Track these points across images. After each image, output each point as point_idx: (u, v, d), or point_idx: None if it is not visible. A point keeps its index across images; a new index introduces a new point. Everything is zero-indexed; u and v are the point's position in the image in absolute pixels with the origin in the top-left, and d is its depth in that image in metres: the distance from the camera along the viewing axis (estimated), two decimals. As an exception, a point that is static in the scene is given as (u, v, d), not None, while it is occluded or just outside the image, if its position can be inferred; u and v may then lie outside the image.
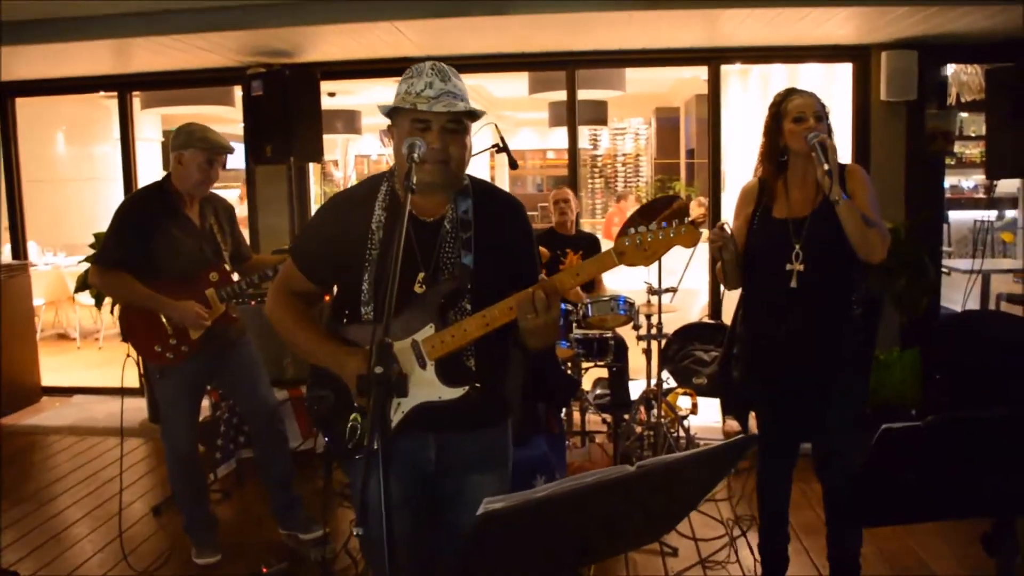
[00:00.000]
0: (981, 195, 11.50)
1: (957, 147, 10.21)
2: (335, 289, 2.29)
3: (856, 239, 2.79)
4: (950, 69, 5.84)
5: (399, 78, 2.10)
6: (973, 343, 4.97)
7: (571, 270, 2.00)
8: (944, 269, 6.12)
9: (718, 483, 4.23)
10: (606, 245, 5.29)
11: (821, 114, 2.89)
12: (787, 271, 2.92)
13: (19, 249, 7.02)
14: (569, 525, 1.45)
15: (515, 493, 1.34)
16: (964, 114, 9.13)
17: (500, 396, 2.24)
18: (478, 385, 2.03)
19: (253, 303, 4.52)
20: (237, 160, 4.12)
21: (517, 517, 1.34)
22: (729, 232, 2.95)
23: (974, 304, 5.90)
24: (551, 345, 4.30)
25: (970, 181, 12.02)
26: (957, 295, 5.87)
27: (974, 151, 10.86)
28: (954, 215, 9.45)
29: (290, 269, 2.25)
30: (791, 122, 2.90)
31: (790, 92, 2.97)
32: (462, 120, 2.05)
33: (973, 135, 10.19)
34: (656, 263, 4.47)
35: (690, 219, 1.98)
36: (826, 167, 2.73)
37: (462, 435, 2.16)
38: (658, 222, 1.97)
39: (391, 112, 2.08)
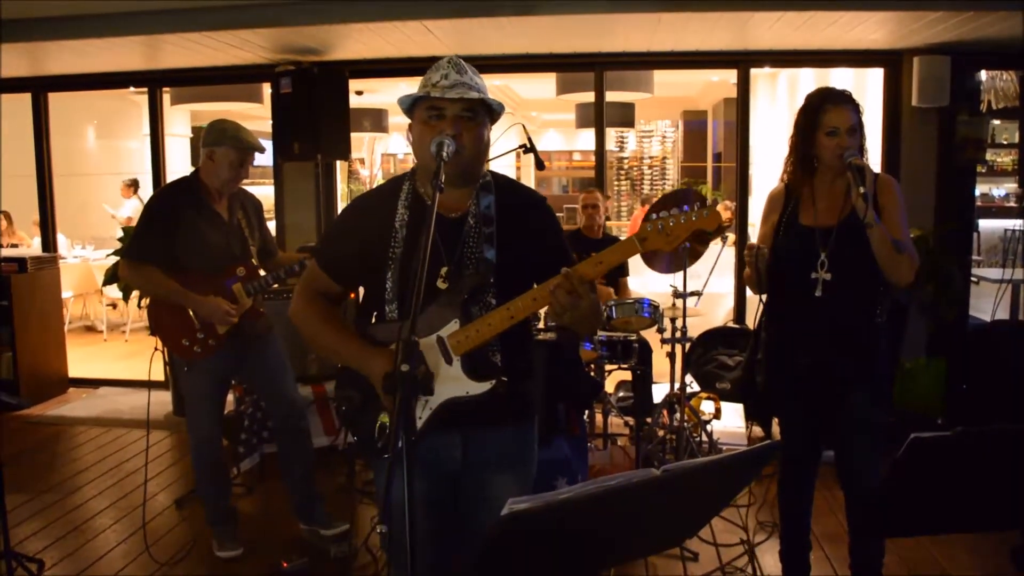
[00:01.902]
0: (1012, 204, 11.34)
1: (989, 155, 10.09)
2: (361, 290, 2.30)
3: (884, 264, 2.77)
4: (982, 75, 5.77)
5: (428, 78, 2.12)
6: (1001, 355, 4.92)
7: (593, 259, 1.96)
8: (973, 278, 6.04)
9: (742, 489, 4.21)
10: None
11: (855, 126, 2.84)
12: (812, 279, 2.90)
13: (49, 242, 7.10)
14: (592, 527, 1.44)
15: (539, 494, 1.34)
16: (996, 121, 9.03)
17: (527, 391, 2.23)
18: (505, 379, 2.02)
19: (285, 295, 4.56)
20: (265, 157, 4.16)
21: (541, 518, 1.34)
22: (764, 250, 2.93)
23: (1003, 314, 5.82)
24: (576, 344, 4.31)
25: (1001, 189, 11.86)
26: (986, 305, 5.80)
27: (1006, 159, 10.72)
28: (984, 223, 9.33)
29: (314, 270, 2.26)
30: (824, 135, 2.86)
31: (825, 98, 2.89)
32: (477, 111, 2.06)
33: (1005, 143, 10.06)
34: (681, 268, 4.46)
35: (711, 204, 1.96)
36: (862, 190, 2.70)
37: (489, 432, 2.15)
38: (680, 206, 1.95)
39: (410, 110, 2.10)
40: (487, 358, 2.07)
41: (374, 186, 2.72)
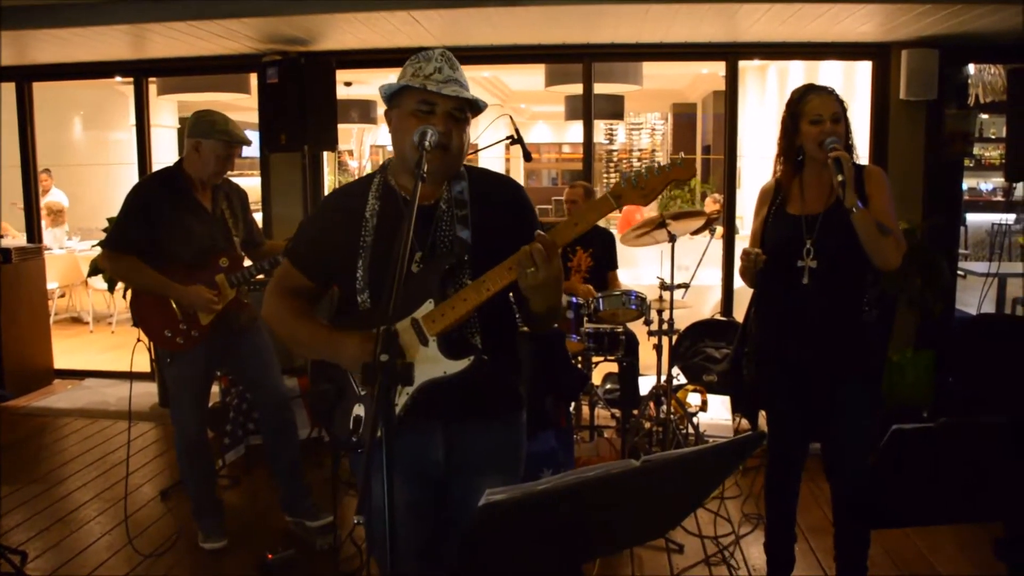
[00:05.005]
0: (999, 198, 11.40)
1: (976, 149, 10.13)
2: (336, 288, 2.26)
3: (870, 247, 2.78)
4: (970, 69, 5.78)
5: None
6: (987, 348, 4.94)
7: (569, 220, 1.93)
8: (960, 272, 6.07)
9: (724, 480, 4.22)
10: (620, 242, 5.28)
11: (839, 115, 2.87)
12: (799, 267, 2.90)
13: (34, 233, 7.05)
14: (572, 518, 1.43)
15: (518, 485, 1.33)
16: (984, 115, 9.05)
17: (510, 381, 2.20)
18: (485, 357, 1.97)
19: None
20: (251, 148, 4.14)
21: (519, 509, 1.33)
22: (762, 256, 2.93)
23: (989, 308, 5.85)
24: (560, 334, 4.29)
25: (988, 184, 11.92)
26: (972, 298, 5.82)
27: (993, 153, 10.76)
28: (972, 218, 9.37)
29: (287, 268, 2.23)
30: (807, 124, 2.88)
31: (808, 91, 2.94)
32: (465, 110, 2.04)
33: (993, 137, 10.11)
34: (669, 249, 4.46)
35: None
36: (840, 178, 2.72)
37: (473, 428, 2.12)
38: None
39: (392, 96, 2.07)
40: (466, 340, 2.04)
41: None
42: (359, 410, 2.04)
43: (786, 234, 2.95)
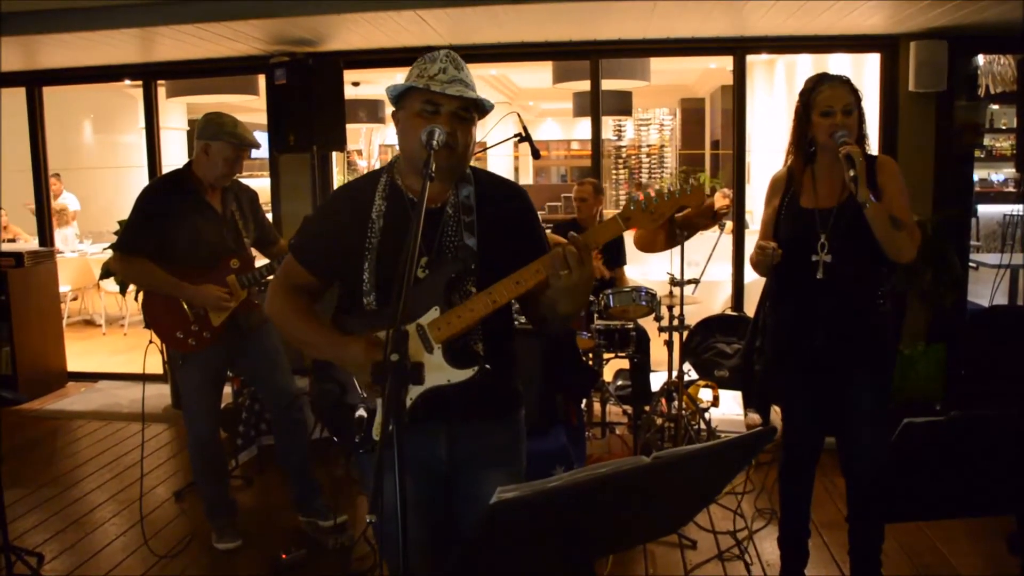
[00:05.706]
0: (1011, 189, 11.31)
1: (987, 140, 10.06)
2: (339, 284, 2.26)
3: (884, 241, 2.77)
4: (980, 60, 5.74)
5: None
6: (1000, 340, 4.91)
7: (582, 238, 1.93)
8: (972, 264, 6.03)
9: (736, 476, 4.20)
10: (628, 237, 5.27)
11: (851, 106, 2.84)
12: (813, 262, 2.90)
13: (46, 236, 7.09)
14: (584, 515, 1.44)
15: (528, 483, 1.33)
16: (994, 106, 9.00)
17: (510, 384, 2.22)
18: (488, 367, 1.98)
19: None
20: (260, 149, 4.16)
21: (530, 506, 1.33)
22: (779, 251, 2.92)
23: (1002, 300, 5.81)
24: (570, 332, 4.30)
25: (1000, 175, 11.83)
26: (985, 290, 5.79)
27: (1004, 144, 10.68)
28: (983, 209, 9.31)
29: (290, 263, 2.23)
30: (818, 115, 2.87)
31: (821, 80, 2.91)
32: (470, 110, 2.04)
33: (1004, 128, 10.04)
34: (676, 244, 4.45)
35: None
36: (852, 173, 2.71)
37: (474, 426, 2.13)
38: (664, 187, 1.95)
39: (399, 97, 2.07)
40: (469, 348, 2.04)
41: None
42: (362, 411, 2.04)
43: (800, 229, 2.94)
